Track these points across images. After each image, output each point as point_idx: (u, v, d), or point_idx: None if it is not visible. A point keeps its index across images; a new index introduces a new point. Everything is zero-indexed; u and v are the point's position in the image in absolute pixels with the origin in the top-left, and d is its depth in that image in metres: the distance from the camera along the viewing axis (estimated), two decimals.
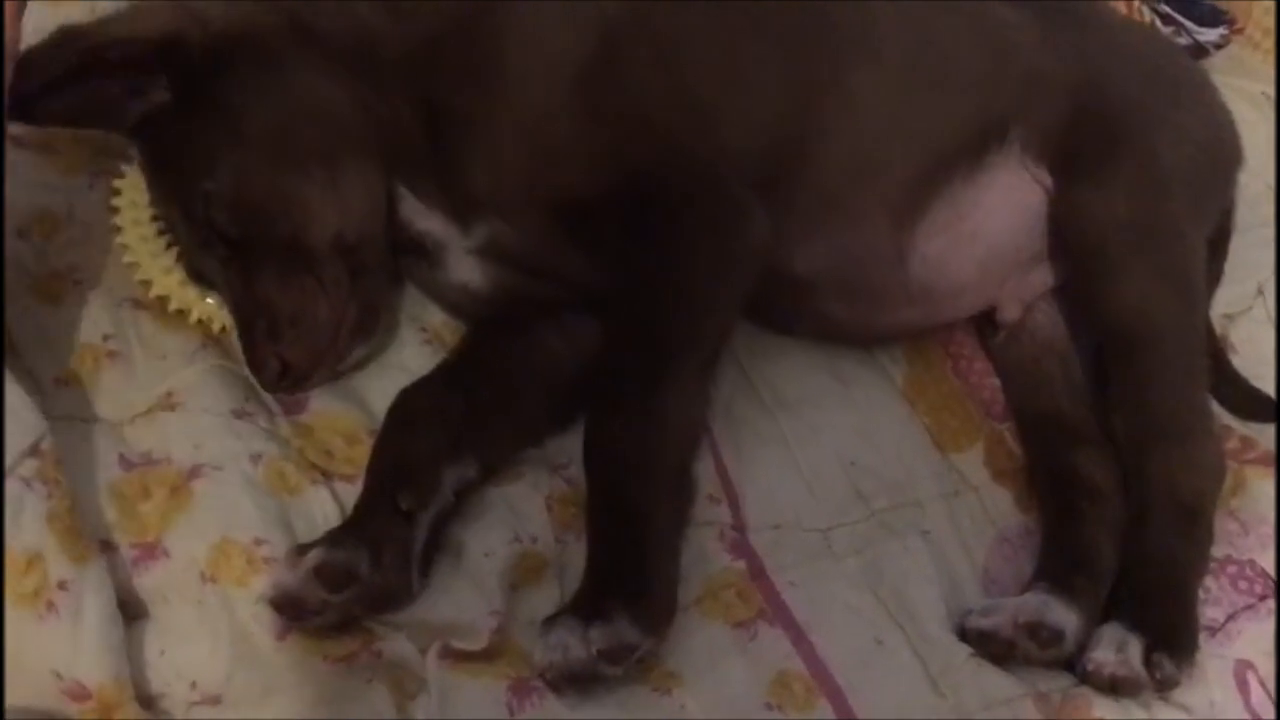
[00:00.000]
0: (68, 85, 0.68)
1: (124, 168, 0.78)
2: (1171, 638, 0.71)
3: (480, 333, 0.78)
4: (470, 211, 0.74)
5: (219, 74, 0.70)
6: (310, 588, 0.64)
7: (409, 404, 0.73)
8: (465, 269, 0.76)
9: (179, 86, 0.70)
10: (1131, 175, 0.80)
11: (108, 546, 0.66)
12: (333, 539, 0.66)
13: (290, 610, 0.64)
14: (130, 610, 0.65)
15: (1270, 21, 1.09)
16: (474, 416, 0.73)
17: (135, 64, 0.69)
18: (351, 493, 0.71)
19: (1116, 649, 0.70)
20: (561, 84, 0.73)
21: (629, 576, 0.66)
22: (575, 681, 0.64)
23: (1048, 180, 0.81)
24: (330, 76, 0.72)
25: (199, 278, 0.75)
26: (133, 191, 0.77)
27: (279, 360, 0.70)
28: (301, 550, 0.65)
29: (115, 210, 0.77)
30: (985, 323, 0.87)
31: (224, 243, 0.71)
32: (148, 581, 0.66)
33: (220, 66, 0.70)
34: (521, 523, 0.72)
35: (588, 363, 0.76)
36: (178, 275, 0.76)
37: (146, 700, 0.63)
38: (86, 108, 0.71)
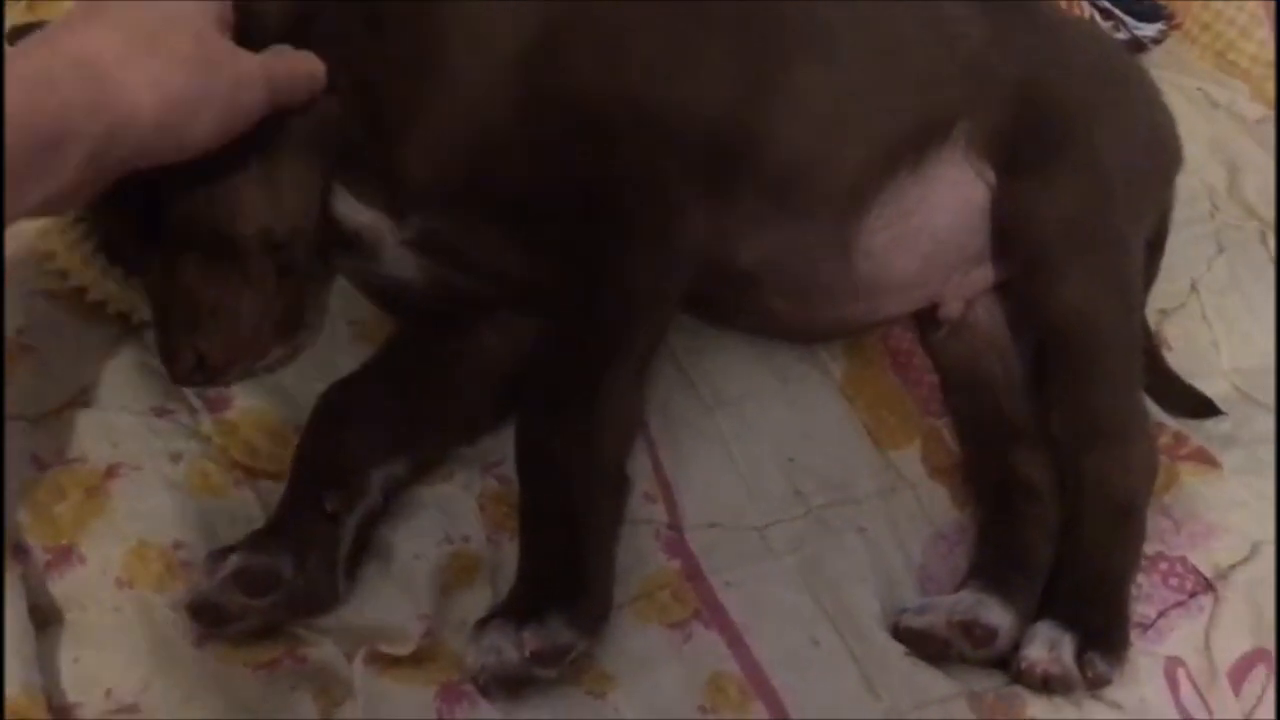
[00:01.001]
0: None
1: None
2: (1103, 636, 0.71)
3: (410, 328, 0.76)
4: (406, 203, 0.72)
5: None
6: (230, 594, 0.62)
7: (335, 401, 0.71)
8: (399, 262, 0.74)
9: None
10: (1074, 174, 0.80)
11: (20, 550, 0.64)
12: (254, 542, 0.64)
13: (209, 617, 0.62)
14: (43, 616, 0.62)
15: (1207, 17, 1.10)
16: (404, 414, 0.71)
17: None
18: (276, 492, 0.69)
19: (1049, 647, 0.70)
20: (501, 75, 0.71)
21: (563, 577, 0.65)
22: (508, 684, 0.63)
23: (991, 177, 0.81)
24: None
25: (118, 263, 0.72)
26: None
27: (194, 352, 0.67)
28: (221, 554, 0.63)
29: None
30: (926, 319, 0.86)
31: (147, 224, 0.68)
32: (61, 587, 0.64)
33: None
34: (453, 523, 0.71)
35: (521, 360, 0.74)
36: (97, 265, 0.73)
37: (61, 709, 0.60)
38: None
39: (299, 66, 0.67)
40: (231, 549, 0.63)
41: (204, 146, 0.62)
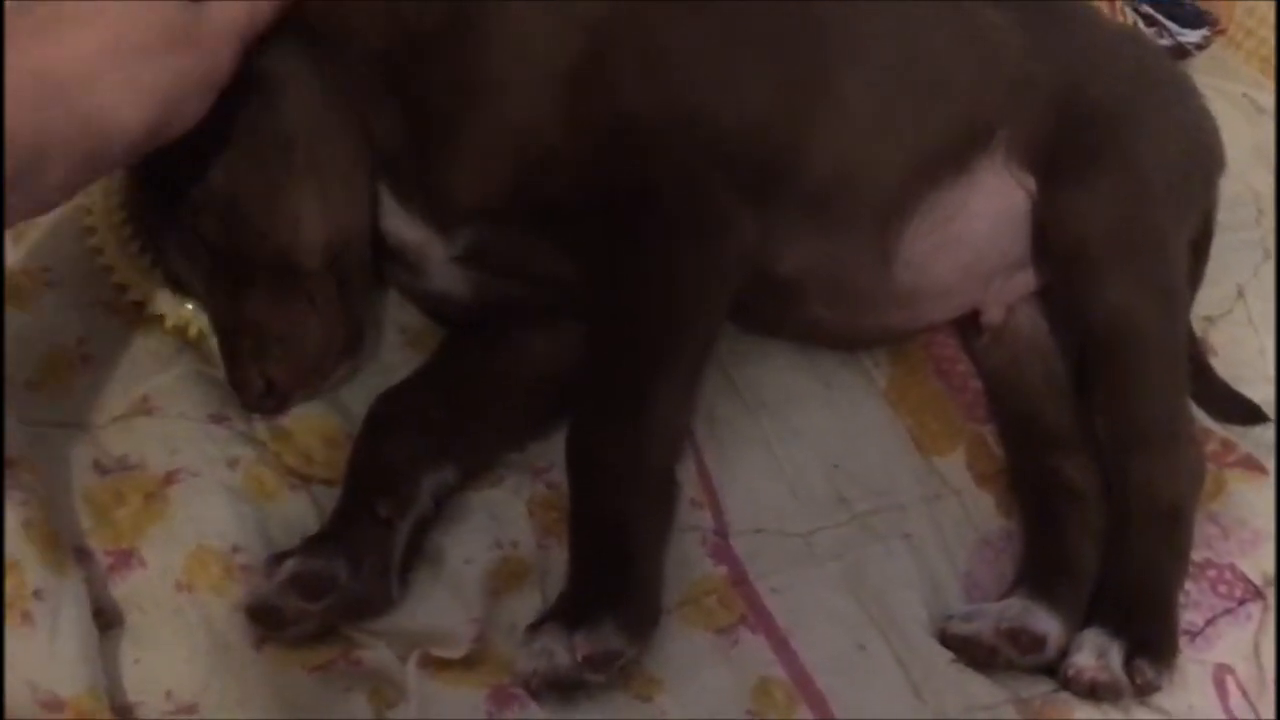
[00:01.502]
0: None
1: None
2: (1152, 643, 0.71)
3: (460, 336, 0.78)
4: (453, 218, 0.73)
5: None
6: (287, 597, 0.63)
7: (387, 409, 0.72)
8: (447, 277, 0.75)
9: None
10: (1115, 180, 0.80)
11: (83, 554, 0.66)
12: (310, 547, 0.65)
13: (267, 620, 0.63)
14: (105, 618, 0.64)
15: (1251, 22, 1.09)
16: (454, 421, 0.72)
17: None
18: (331, 497, 0.70)
19: (1097, 654, 0.70)
20: (547, 89, 0.72)
21: (613, 582, 0.65)
22: (559, 688, 0.64)
23: (1032, 184, 0.81)
24: (325, 81, 0.70)
25: (177, 284, 0.74)
26: (106, 192, 0.76)
27: (264, 378, 0.70)
28: (278, 559, 0.65)
29: (88, 211, 0.76)
30: (968, 325, 0.86)
31: (209, 252, 0.70)
32: (123, 589, 0.65)
33: None
34: (502, 528, 0.72)
35: (570, 366, 0.75)
36: (154, 279, 0.75)
37: (122, 709, 0.62)
38: None
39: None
40: (288, 554, 0.65)
41: (191, 124, 0.62)
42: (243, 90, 0.66)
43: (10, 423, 0.66)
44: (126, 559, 0.66)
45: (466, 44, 0.73)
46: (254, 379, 0.70)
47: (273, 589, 0.63)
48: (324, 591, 0.63)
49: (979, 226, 0.82)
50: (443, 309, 0.78)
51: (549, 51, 0.72)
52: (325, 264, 0.70)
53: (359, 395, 0.75)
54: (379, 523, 0.67)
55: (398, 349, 0.79)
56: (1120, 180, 0.80)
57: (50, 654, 0.60)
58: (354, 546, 0.65)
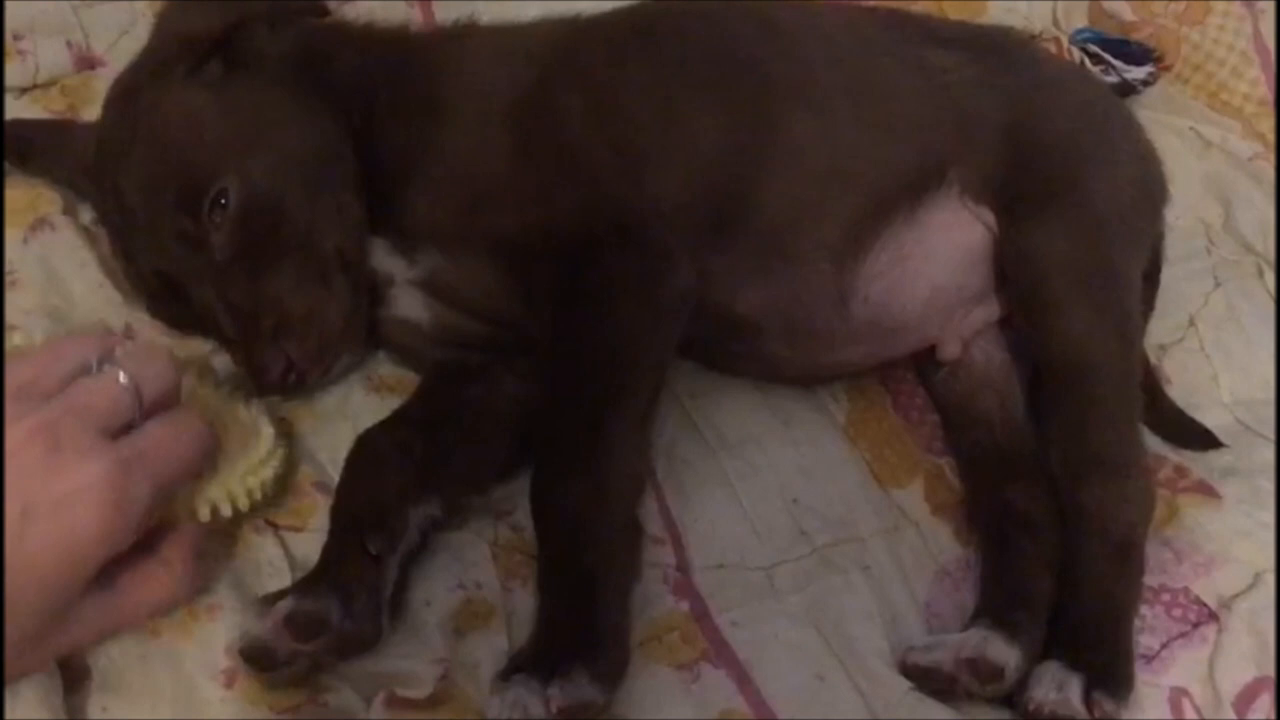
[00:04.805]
0: None
1: None
2: (1109, 675, 0.71)
3: (435, 376, 0.79)
4: (412, 242, 0.76)
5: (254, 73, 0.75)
6: (280, 638, 0.64)
7: (372, 445, 0.73)
8: (410, 303, 0.78)
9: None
10: (1070, 214, 0.82)
11: None
12: (302, 588, 0.66)
13: (260, 661, 0.64)
14: (74, 670, 0.65)
15: (1198, 58, 1.12)
16: (436, 455, 0.74)
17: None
18: (299, 541, 0.72)
19: (1057, 688, 0.70)
20: (496, 121, 0.76)
21: (584, 632, 0.66)
22: None
23: (990, 219, 0.83)
24: (323, 100, 0.76)
25: (160, 282, 0.74)
26: None
27: (285, 356, 0.72)
28: (270, 599, 0.65)
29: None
30: (926, 360, 0.88)
31: (227, 242, 0.71)
32: None
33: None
34: (466, 570, 0.73)
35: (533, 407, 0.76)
36: None
37: None
38: None
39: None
40: (280, 594, 0.66)
41: None
42: (278, 97, 0.74)
43: None
44: None
45: (424, 72, 0.78)
46: (277, 358, 0.72)
47: (266, 630, 0.64)
48: (317, 632, 0.64)
49: (936, 262, 0.83)
50: (408, 342, 0.80)
51: (499, 84, 0.77)
52: (340, 259, 0.74)
53: (325, 444, 0.76)
54: (369, 559, 0.68)
55: (364, 396, 0.80)
56: (1076, 215, 0.82)
57: (13, 707, 0.60)
58: (346, 584, 0.66)
